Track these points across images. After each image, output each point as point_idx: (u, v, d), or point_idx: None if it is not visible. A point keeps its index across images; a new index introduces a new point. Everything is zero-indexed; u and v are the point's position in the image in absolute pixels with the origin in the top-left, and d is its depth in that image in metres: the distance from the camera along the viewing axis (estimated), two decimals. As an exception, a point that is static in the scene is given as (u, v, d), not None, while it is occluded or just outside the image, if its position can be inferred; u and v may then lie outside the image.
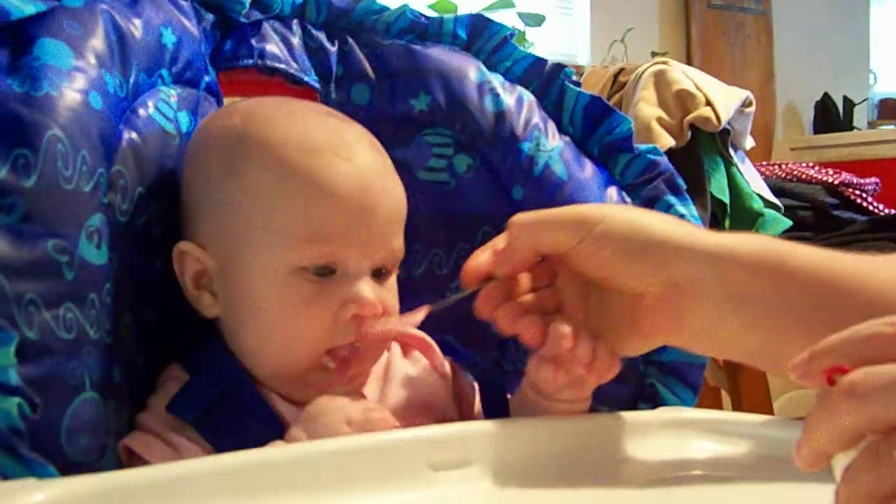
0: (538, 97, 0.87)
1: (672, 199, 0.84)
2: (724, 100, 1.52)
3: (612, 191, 0.85)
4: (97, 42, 0.66)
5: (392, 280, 0.71)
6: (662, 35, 3.49)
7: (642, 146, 0.85)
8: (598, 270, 0.66)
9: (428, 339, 0.77)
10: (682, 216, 0.83)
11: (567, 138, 0.86)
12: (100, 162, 0.63)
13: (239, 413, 0.66)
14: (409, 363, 0.75)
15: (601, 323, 0.68)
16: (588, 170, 0.85)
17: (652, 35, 3.43)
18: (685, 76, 1.53)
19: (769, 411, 1.64)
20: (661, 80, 1.54)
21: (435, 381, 0.75)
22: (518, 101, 0.86)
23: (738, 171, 1.59)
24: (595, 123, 0.86)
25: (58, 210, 0.59)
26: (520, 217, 0.67)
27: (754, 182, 1.65)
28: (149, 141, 0.69)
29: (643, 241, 0.65)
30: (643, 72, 1.56)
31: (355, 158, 0.67)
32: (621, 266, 0.65)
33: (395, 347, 0.76)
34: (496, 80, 0.86)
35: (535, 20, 2.81)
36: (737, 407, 1.63)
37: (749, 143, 1.69)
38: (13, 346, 0.54)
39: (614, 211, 0.68)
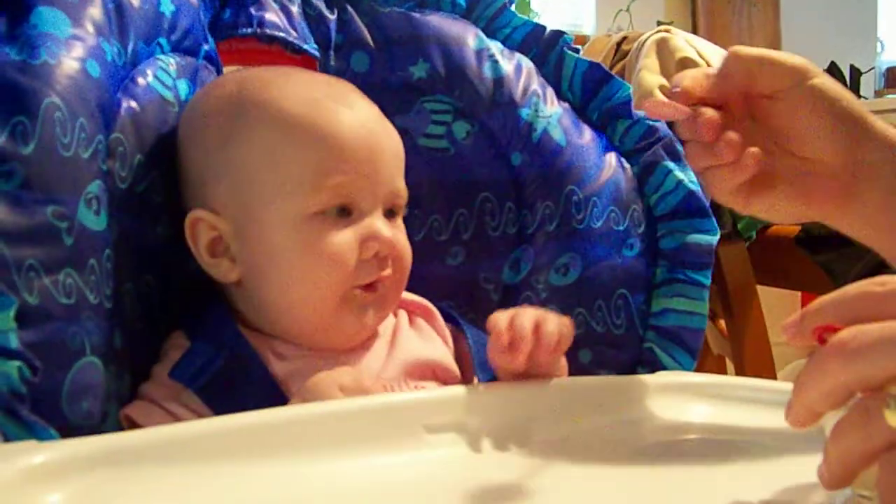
0: (537, 64, 0.87)
1: (671, 164, 0.84)
2: (726, 67, 1.51)
3: (611, 156, 0.85)
4: (94, 11, 0.66)
5: (401, 223, 0.73)
6: (668, 4, 3.45)
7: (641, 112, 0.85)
8: (797, 123, 0.67)
9: (430, 305, 0.78)
10: (680, 182, 0.83)
11: (566, 104, 0.86)
12: (98, 129, 0.64)
13: (239, 380, 0.66)
14: (413, 330, 0.76)
15: (772, 183, 0.68)
16: (587, 136, 0.85)
17: (658, 4, 3.40)
18: (687, 44, 1.52)
19: (773, 379, 1.64)
20: (663, 47, 1.52)
21: (438, 346, 0.76)
22: (517, 68, 0.86)
23: (741, 138, 1.58)
24: (594, 90, 0.86)
25: (56, 176, 0.59)
26: (739, 48, 0.66)
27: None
28: (148, 109, 0.70)
29: (848, 109, 0.66)
30: (645, 40, 1.55)
31: (353, 105, 0.70)
32: (821, 125, 0.66)
33: (402, 314, 0.77)
34: (495, 46, 0.86)
35: (540, -11, 2.79)
36: (740, 375, 1.63)
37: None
38: (13, 310, 0.55)
39: (827, 76, 0.68)
